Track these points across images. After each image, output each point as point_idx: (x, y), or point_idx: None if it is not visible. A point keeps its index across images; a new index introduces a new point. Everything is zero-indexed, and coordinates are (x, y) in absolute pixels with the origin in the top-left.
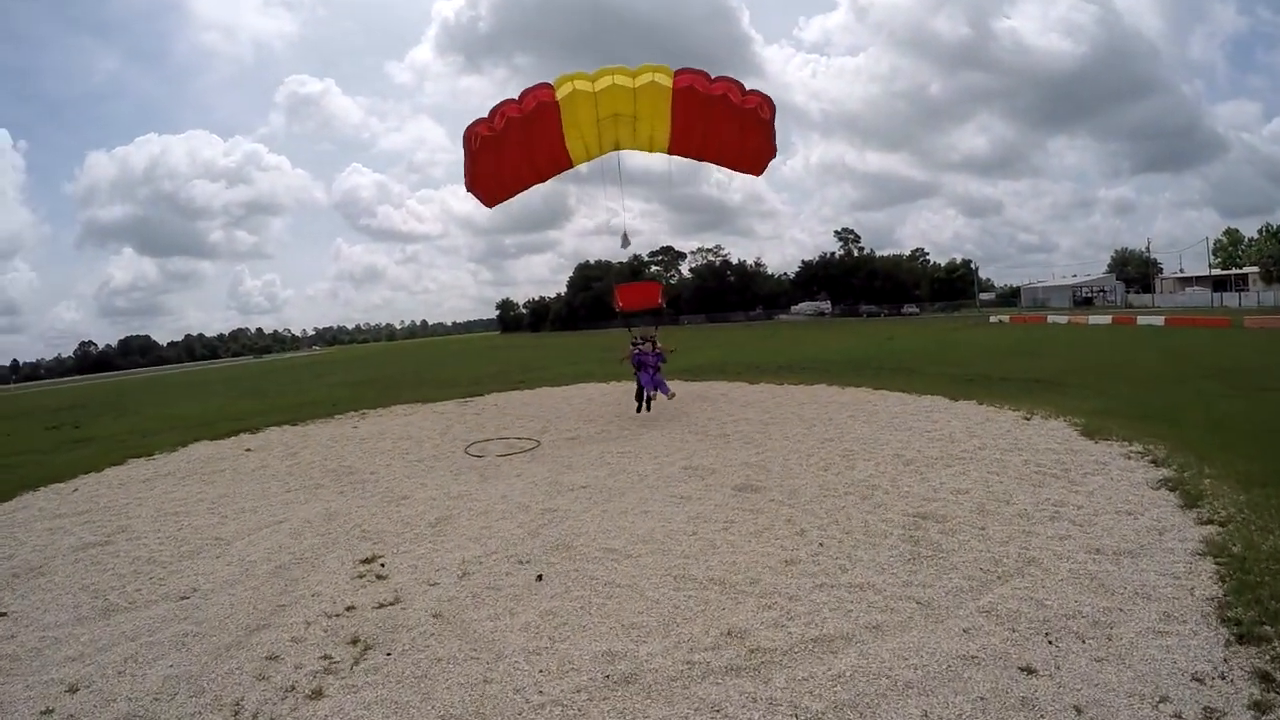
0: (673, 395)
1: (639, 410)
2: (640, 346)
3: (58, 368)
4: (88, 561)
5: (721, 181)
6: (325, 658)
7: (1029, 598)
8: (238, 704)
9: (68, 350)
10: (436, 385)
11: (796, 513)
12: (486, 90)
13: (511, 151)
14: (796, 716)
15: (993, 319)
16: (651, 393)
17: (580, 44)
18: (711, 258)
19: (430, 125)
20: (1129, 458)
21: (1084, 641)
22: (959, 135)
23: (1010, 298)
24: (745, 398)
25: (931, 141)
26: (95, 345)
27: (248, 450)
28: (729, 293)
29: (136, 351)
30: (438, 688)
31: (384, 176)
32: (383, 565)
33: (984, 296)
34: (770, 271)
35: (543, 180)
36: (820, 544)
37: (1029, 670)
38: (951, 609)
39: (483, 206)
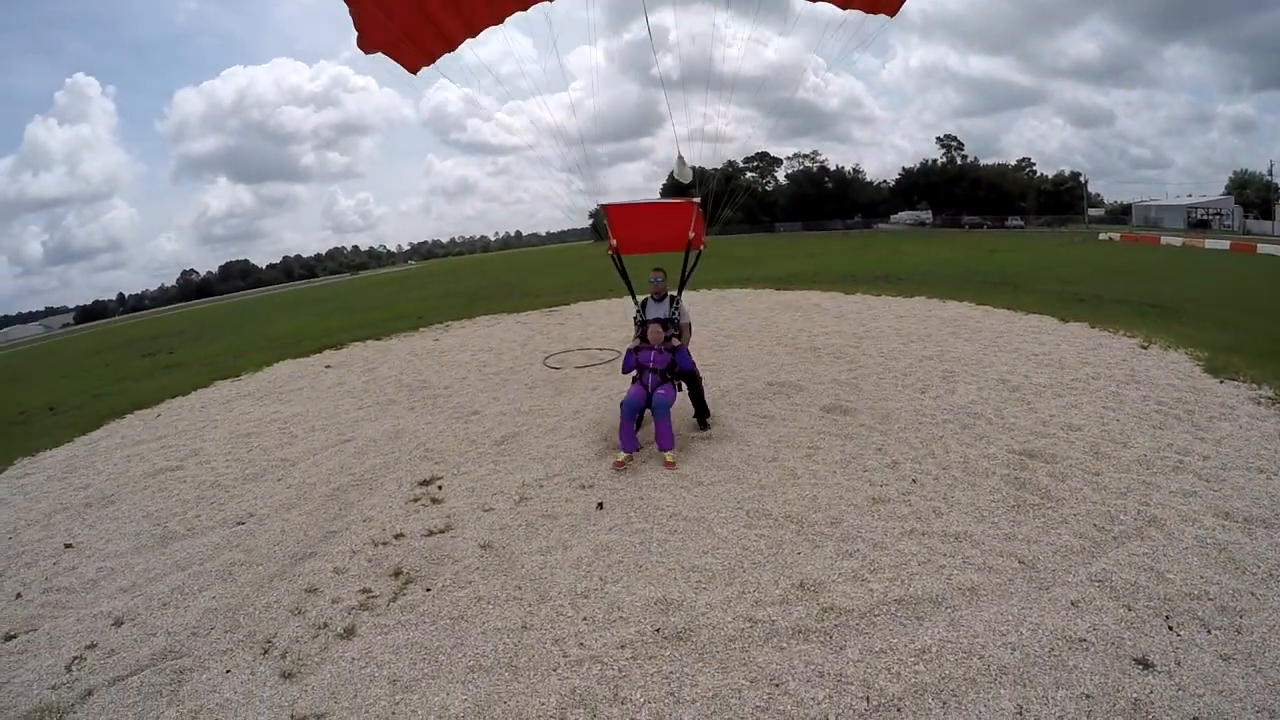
0: (672, 463)
1: (623, 460)
2: (649, 326)
3: (162, 297)
4: (156, 488)
5: (819, 85)
6: (364, 591)
7: (1149, 568)
8: (269, 641)
9: (170, 280)
10: (523, 295)
11: (889, 441)
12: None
13: None
14: (868, 700)
15: (1102, 236)
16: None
17: None
18: (809, 164)
19: (516, 36)
20: (1259, 403)
21: (1209, 631)
22: (1068, 39)
23: (1120, 215)
24: (839, 309)
25: (1039, 45)
26: (196, 273)
27: (327, 367)
28: (826, 200)
29: (237, 276)
30: (472, 632)
31: (471, 90)
32: (440, 488)
33: (1093, 213)
34: (869, 179)
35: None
36: (913, 480)
37: (1145, 664)
38: (1059, 574)
39: (568, 122)
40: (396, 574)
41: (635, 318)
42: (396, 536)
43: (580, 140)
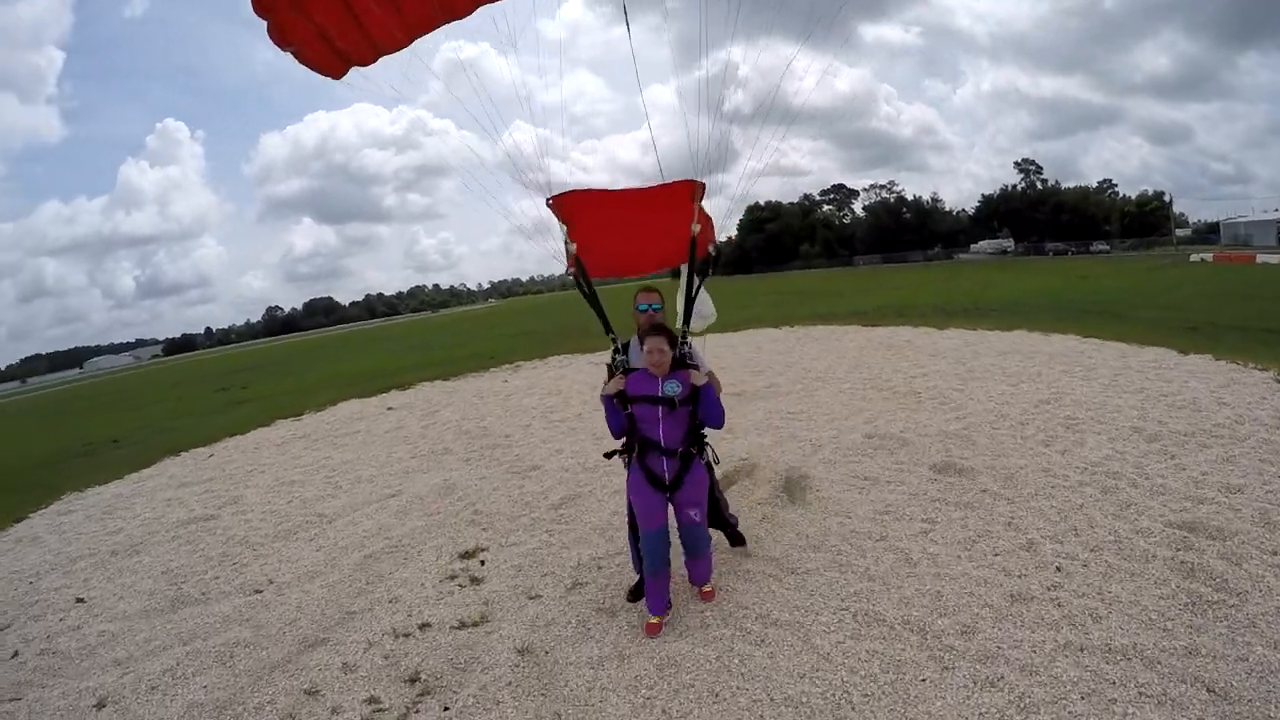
0: (710, 593)
1: (656, 624)
2: (648, 340)
3: (247, 331)
4: (184, 540)
5: (891, 115)
6: (371, 701)
7: None
8: None
9: (256, 315)
10: (599, 335)
11: (1019, 512)
12: (640, 37)
13: None
14: None
15: (1194, 257)
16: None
17: None
18: (885, 194)
19: (588, 77)
20: None
21: None
22: (1139, 54)
23: (1208, 234)
24: (934, 346)
25: (1109, 62)
26: (281, 309)
27: (389, 409)
28: (905, 231)
29: (320, 312)
30: None
31: (546, 130)
32: (482, 562)
33: (1179, 233)
34: (948, 208)
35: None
36: (1057, 568)
37: None
38: (1259, 706)
39: (642, 160)
40: (413, 680)
41: (612, 364)
42: (422, 626)
43: (656, 177)
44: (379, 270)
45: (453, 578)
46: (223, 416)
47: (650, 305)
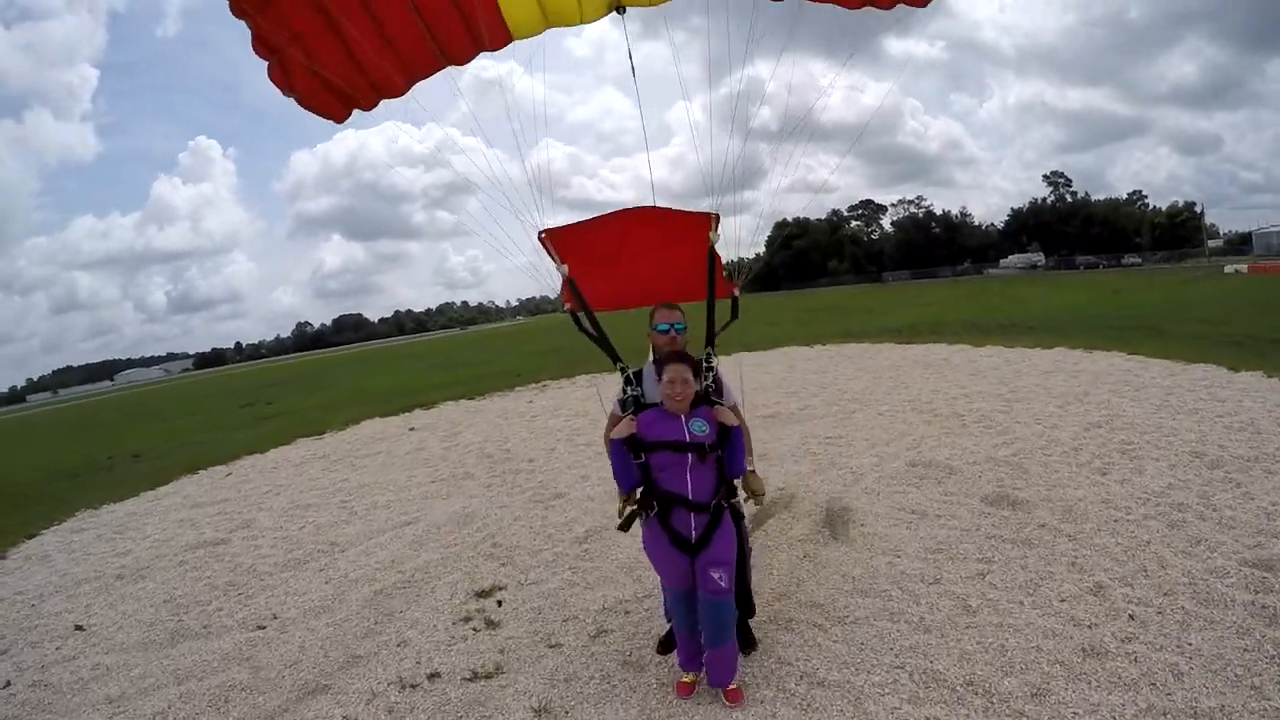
0: (737, 693)
1: (690, 681)
2: (669, 367)
3: (278, 346)
4: (191, 566)
5: (917, 130)
6: None
7: None
8: None
9: (286, 331)
10: (626, 353)
11: (1081, 549)
12: (665, 54)
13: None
14: None
15: (1228, 269)
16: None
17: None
18: (914, 209)
19: (615, 95)
20: None
21: None
22: (1166, 63)
23: (1240, 245)
24: (973, 364)
25: (1136, 72)
26: (310, 324)
27: (411, 429)
28: (934, 246)
29: (350, 328)
30: None
31: (575, 148)
32: (499, 603)
33: (1211, 244)
34: (976, 222)
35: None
36: (1130, 615)
37: None
38: None
39: (670, 177)
40: None
41: (623, 397)
42: (431, 676)
43: (683, 194)
44: (408, 287)
45: (467, 620)
46: (245, 432)
47: (672, 325)
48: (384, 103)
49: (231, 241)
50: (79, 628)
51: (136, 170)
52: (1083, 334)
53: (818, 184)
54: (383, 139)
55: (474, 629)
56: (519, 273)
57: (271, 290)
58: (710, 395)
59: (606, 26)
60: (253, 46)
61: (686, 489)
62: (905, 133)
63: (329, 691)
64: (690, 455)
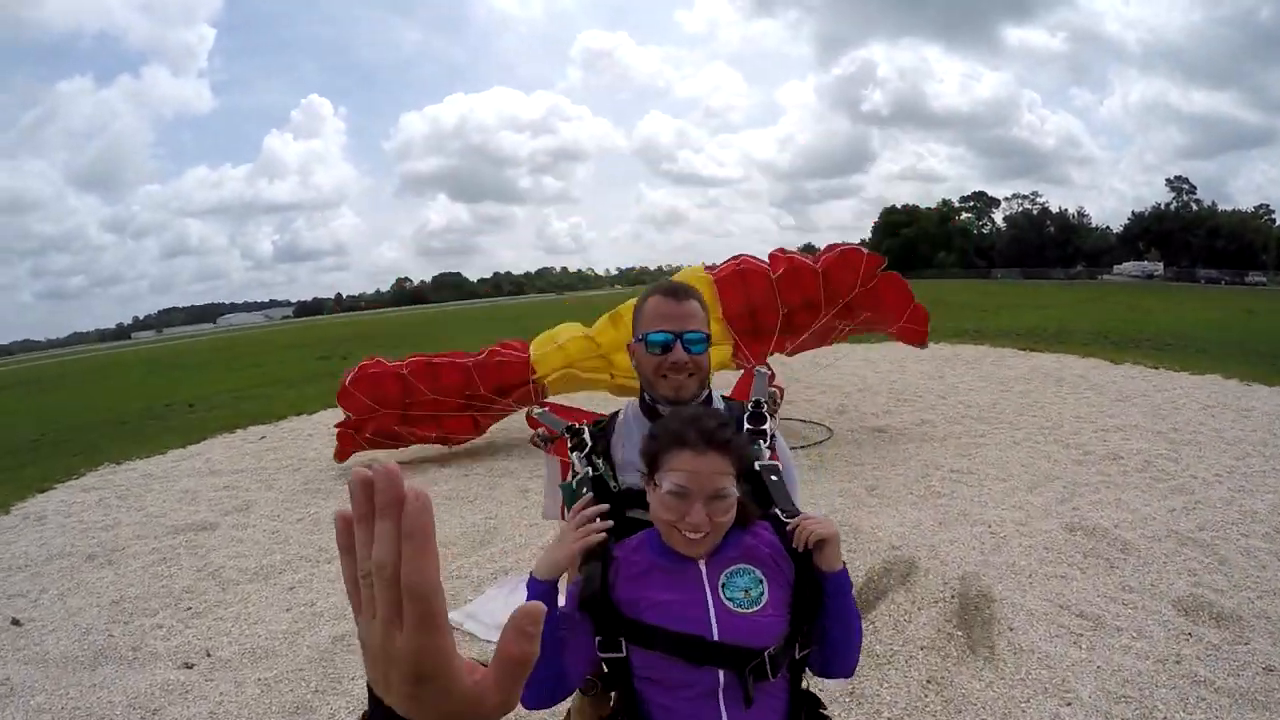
0: None
1: None
2: (687, 527)
3: (377, 300)
4: (162, 555)
5: (1034, 124)
6: None
7: None
8: None
9: (386, 285)
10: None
11: None
12: (780, 33)
13: None
14: None
15: None
16: None
17: None
18: (1028, 205)
19: (725, 70)
20: None
21: None
22: None
23: None
24: (1116, 386)
25: (1265, 77)
26: (410, 280)
27: None
28: (1047, 246)
29: (449, 287)
30: None
31: (682, 122)
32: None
33: None
34: (1093, 224)
35: None
36: None
37: None
38: None
39: (778, 157)
40: None
41: (571, 485)
42: None
43: (791, 175)
44: (510, 249)
45: None
46: (308, 387)
47: (684, 335)
48: (492, 68)
49: (339, 196)
50: (15, 622)
51: (249, 125)
52: (1231, 359)
53: (927, 173)
54: (491, 103)
55: None
56: (621, 241)
57: (375, 245)
58: (768, 494)
59: (719, 2)
60: None
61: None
62: (1021, 125)
63: None
64: (723, 676)
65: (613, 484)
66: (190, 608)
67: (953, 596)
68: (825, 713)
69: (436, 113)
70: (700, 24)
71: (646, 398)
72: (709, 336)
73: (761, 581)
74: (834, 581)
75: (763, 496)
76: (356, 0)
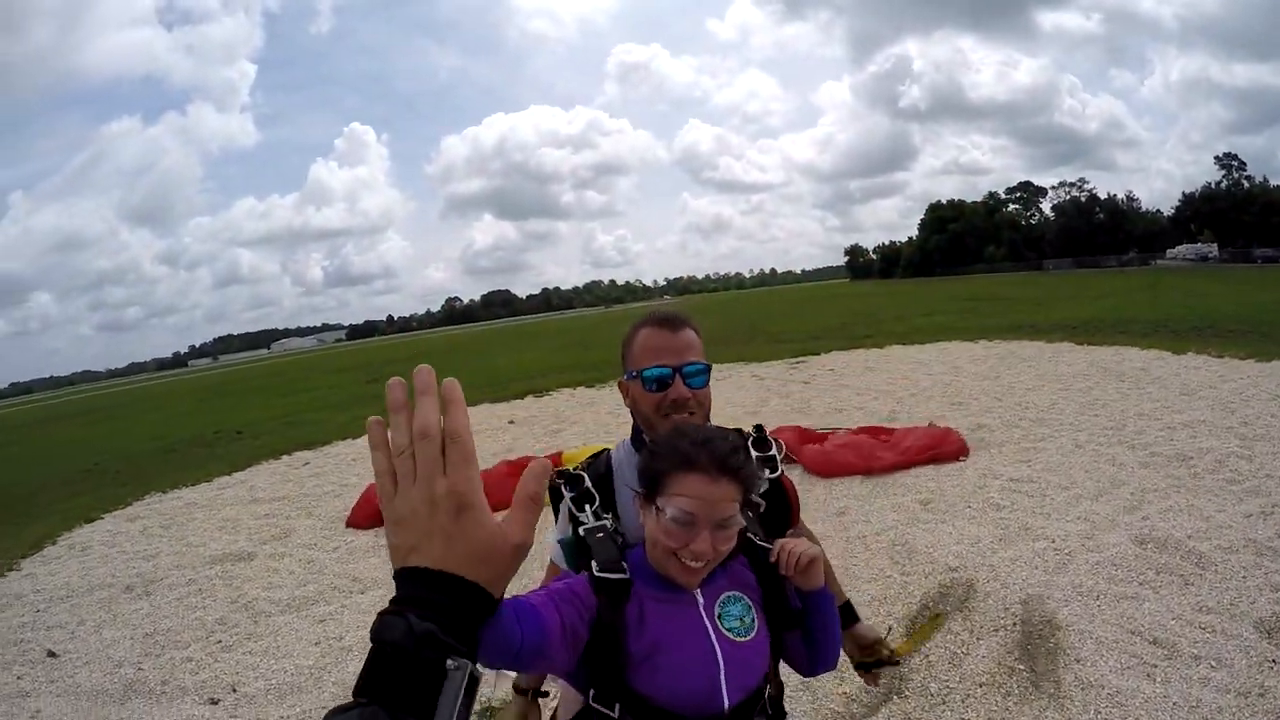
0: None
1: None
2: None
3: (427, 320)
4: (198, 586)
5: (1075, 109)
6: None
7: None
8: None
9: (436, 305)
10: (769, 340)
11: None
12: (812, 35)
13: None
14: None
15: None
16: None
17: None
18: (1075, 193)
19: (760, 76)
20: None
21: None
22: None
23: None
24: (1179, 379)
25: None
26: (460, 300)
27: (510, 422)
28: (1098, 233)
29: (498, 304)
30: None
31: (721, 129)
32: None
33: None
34: (1143, 208)
35: None
36: None
37: None
38: None
39: (819, 158)
40: None
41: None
42: None
43: (832, 176)
44: (557, 265)
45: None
46: (349, 413)
47: (683, 368)
48: (529, 87)
49: (386, 220)
50: (51, 654)
51: (294, 156)
52: None
53: (971, 165)
54: (531, 121)
55: None
56: (668, 251)
57: (424, 267)
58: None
59: (750, 8)
60: None
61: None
62: (1063, 111)
63: None
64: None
65: (616, 533)
66: (220, 641)
67: (1015, 624)
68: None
69: (477, 134)
70: (732, 31)
71: (644, 438)
72: (709, 367)
73: (751, 607)
74: (819, 599)
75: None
76: (393, 30)
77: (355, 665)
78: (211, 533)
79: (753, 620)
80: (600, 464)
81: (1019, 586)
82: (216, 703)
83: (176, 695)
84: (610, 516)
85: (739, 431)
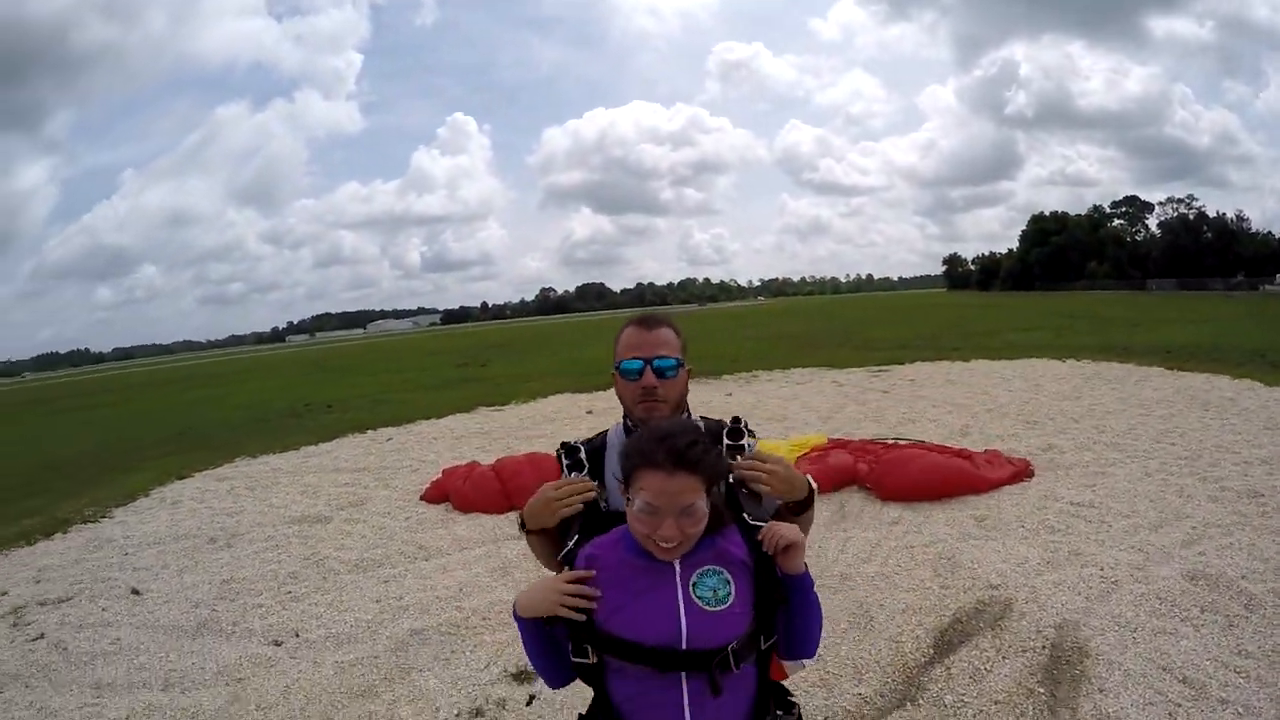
0: None
1: None
2: (659, 539)
3: (521, 308)
4: (276, 543)
5: (1187, 121)
6: None
7: None
8: None
9: (530, 295)
10: (856, 347)
11: None
12: (917, 36)
13: None
14: None
15: None
16: None
17: None
18: (1183, 210)
19: (863, 77)
20: None
21: None
22: None
23: None
24: (1267, 411)
25: None
26: (554, 290)
27: (589, 412)
28: (1205, 254)
29: (592, 296)
30: None
31: (822, 130)
32: (531, 699)
33: None
34: (1254, 229)
35: None
36: None
37: None
38: None
39: (921, 164)
40: None
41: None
42: None
43: (935, 182)
44: (653, 260)
45: (478, 713)
46: (445, 392)
47: (653, 361)
48: (631, 82)
49: (485, 209)
50: (135, 591)
51: (397, 143)
52: None
53: (1076, 176)
54: (632, 117)
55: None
56: (764, 252)
57: (521, 256)
58: (738, 501)
59: (853, 8)
60: None
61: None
62: (1173, 124)
63: None
64: (688, 683)
65: (602, 505)
66: (290, 591)
67: (1044, 647)
68: (792, 699)
69: (578, 127)
70: (835, 31)
71: (628, 423)
72: (680, 363)
73: (729, 582)
74: (797, 582)
75: (736, 503)
76: (497, 22)
77: (408, 622)
78: (293, 496)
79: (728, 594)
80: (598, 439)
81: (1056, 610)
82: (280, 644)
83: (244, 635)
84: (598, 484)
85: (719, 423)
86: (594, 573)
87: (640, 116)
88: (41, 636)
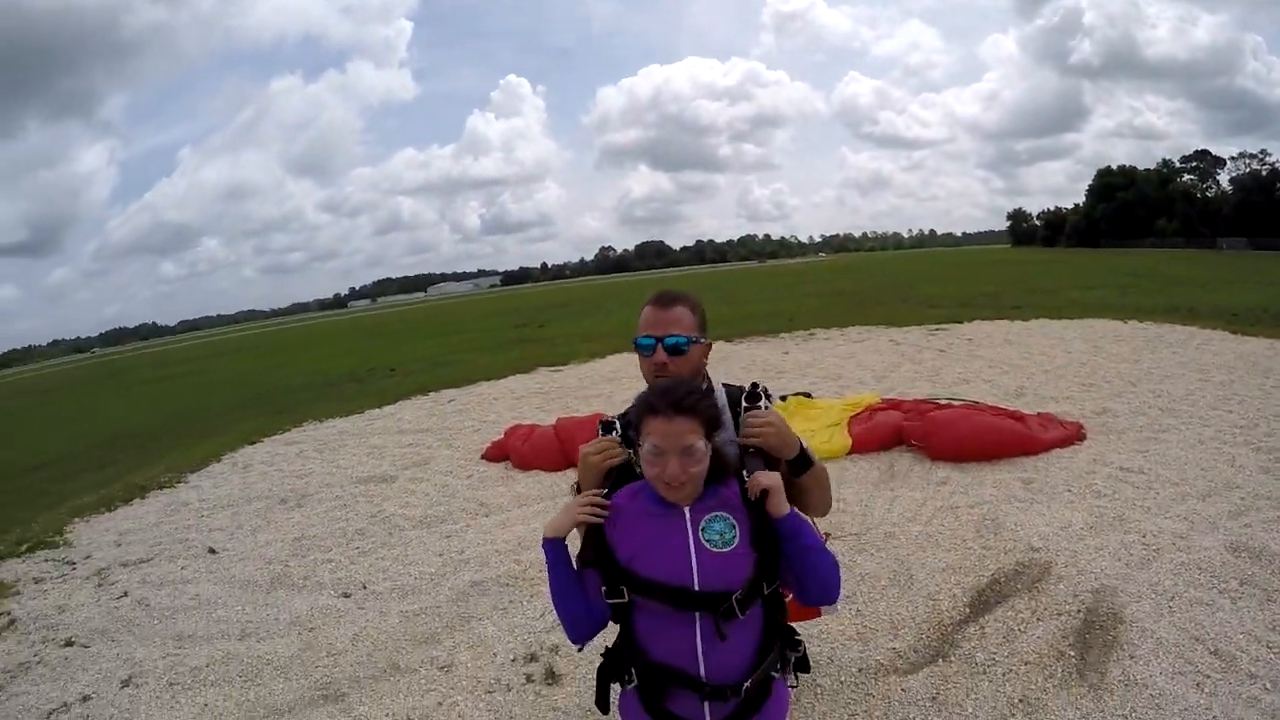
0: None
1: None
2: (663, 481)
3: (580, 269)
4: (344, 502)
5: (1259, 71)
6: None
7: None
8: None
9: (590, 254)
10: (916, 303)
11: None
12: None
13: None
14: None
15: None
16: None
17: None
18: (1256, 165)
19: (921, 27)
20: None
21: None
22: None
23: None
24: None
25: None
26: (614, 249)
27: None
28: (1279, 211)
29: (652, 255)
30: None
31: (881, 82)
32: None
33: None
34: None
35: None
36: None
37: None
38: None
39: (983, 116)
40: None
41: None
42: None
43: (998, 134)
44: (712, 218)
45: (531, 658)
46: (503, 354)
47: (664, 339)
48: (685, 38)
49: (542, 170)
50: (211, 550)
51: (451, 108)
52: None
53: (1145, 129)
54: (687, 73)
55: (529, 679)
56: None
57: (579, 215)
58: (744, 455)
59: None
60: None
61: (696, 666)
62: (1245, 74)
63: (340, 702)
64: (701, 621)
65: (637, 469)
66: (358, 547)
67: (1079, 611)
68: (798, 638)
69: (632, 85)
70: None
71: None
72: (692, 340)
73: (734, 526)
74: (784, 524)
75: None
76: None
77: (469, 574)
78: (360, 457)
79: (733, 536)
80: (630, 412)
81: (1095, 575)
82: (348, 596)
83: (315, 589)
84: (631, 451)
85: (739, 388)
86: (605, 490)
87: (695, 72)
88: (125, 595)
